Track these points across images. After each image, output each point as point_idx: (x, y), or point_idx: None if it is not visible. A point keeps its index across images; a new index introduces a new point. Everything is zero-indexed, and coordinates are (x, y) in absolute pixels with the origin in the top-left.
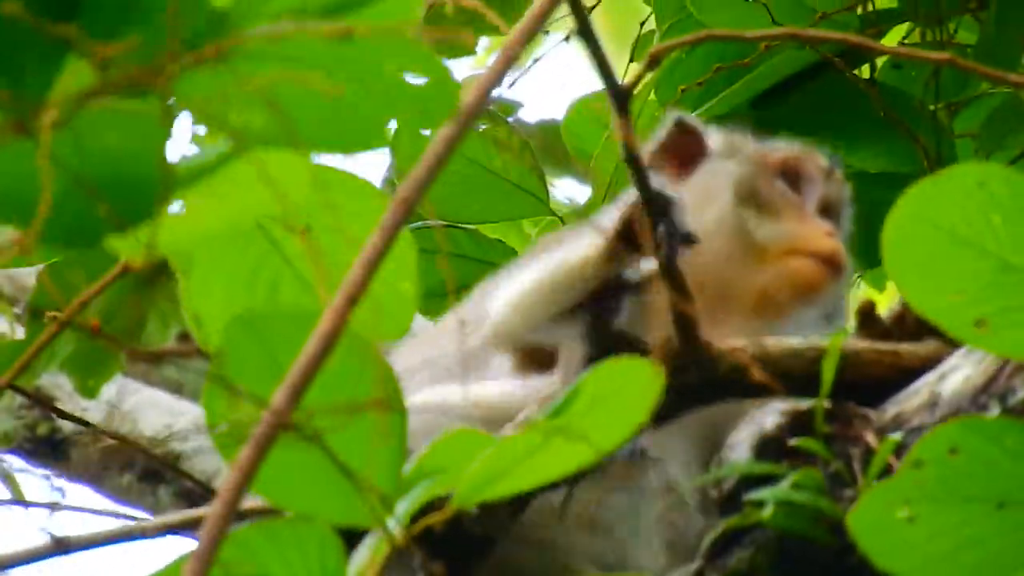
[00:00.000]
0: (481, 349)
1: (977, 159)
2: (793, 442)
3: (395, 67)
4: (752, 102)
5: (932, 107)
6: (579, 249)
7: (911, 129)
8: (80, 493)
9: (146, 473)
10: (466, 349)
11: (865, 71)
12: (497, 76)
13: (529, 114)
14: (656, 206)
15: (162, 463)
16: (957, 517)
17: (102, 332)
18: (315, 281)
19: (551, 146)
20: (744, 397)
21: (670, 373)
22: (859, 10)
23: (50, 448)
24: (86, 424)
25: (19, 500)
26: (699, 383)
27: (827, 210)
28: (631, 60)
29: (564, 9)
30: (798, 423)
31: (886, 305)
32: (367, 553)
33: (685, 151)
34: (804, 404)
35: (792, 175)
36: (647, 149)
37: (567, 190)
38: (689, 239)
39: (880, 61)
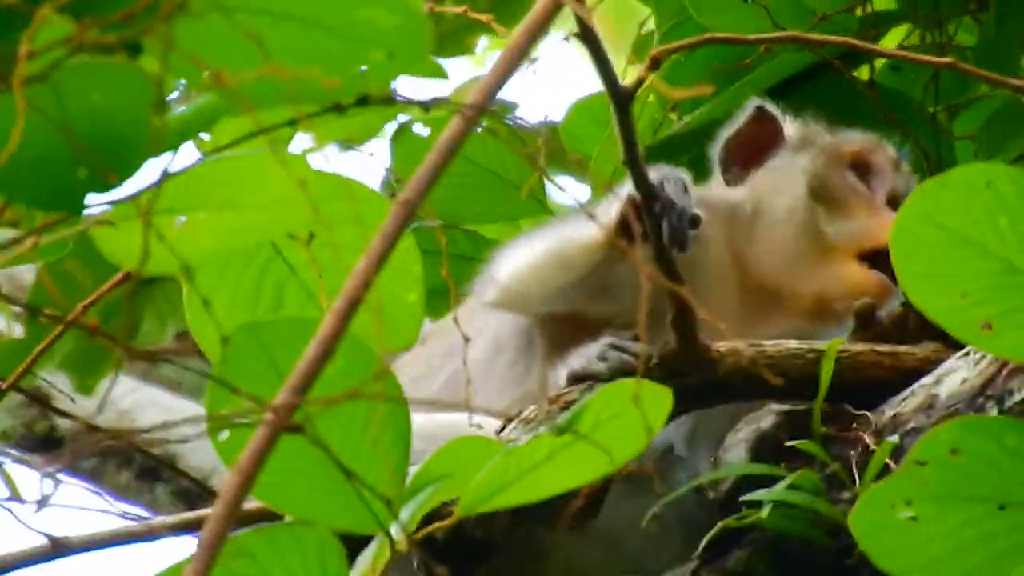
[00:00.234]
0: (499, 329)
1: (977, 162)
2: (791, 443)
3: (365, 11)
4: None
5: (931, 109)
6: (587, 228)
7: (910, 131)
8: (78, 490)
9: (144, 470)
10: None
11: (864, 72)
12: (500, 79)
13: (527, 113)
14: (656, 207)
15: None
16: (958, 517)
17: (100, 331)
18: (318, 288)
19: (549, 146)
20: (743, 399)
21: (670, 375)
22: (858, 11)
23: (48, 445)
24: (84, 422)
25: (16, 497)
26: (699, 385)
27: (894, 202)
28: (630, 62)
29: (564, 9)
30: (796, 424)
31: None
32: (369, 559)
33: (762, 139)
34: (802, 406)
35: (863, 167)
36: (724, 134)
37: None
38: (682, 245)
39: (879, 63)
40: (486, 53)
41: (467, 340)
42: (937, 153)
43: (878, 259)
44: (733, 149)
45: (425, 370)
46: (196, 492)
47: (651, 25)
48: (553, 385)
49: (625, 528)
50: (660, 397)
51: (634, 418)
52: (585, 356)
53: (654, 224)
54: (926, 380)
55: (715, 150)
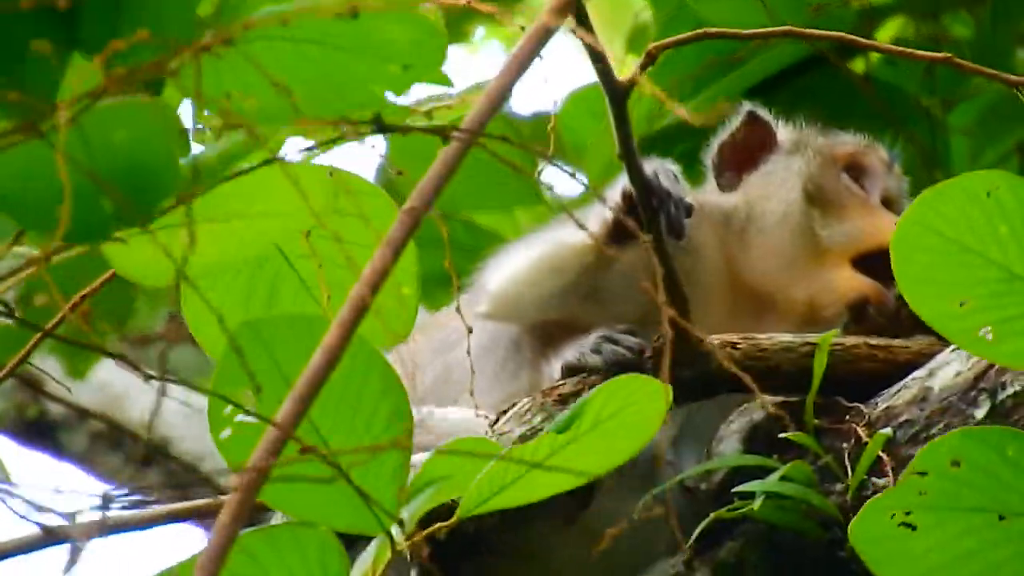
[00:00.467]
0: (489, 328)
1: (972, 155)
2: (783, 435)
3: (382, 29)
4: (745, 95)
5: (927, 103)
6: (578, 233)
7: (906, 125)
8: (70, 474)
9: (135, 455)
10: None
11: (859, 65)
12: (505, 87)
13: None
14: (651, 201)
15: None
16: (958, 527)
17: (92, 316)
18: (317, 285)
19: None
20: (737, 391)
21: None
22: (854, 4)
23: (39, 430)
24: (76, 407)
25: (7, 482)
26: (692, 378)
27: (888, 203)
28: (626, 51)
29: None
30: (789, 416)
31: None
32: (370, 559)
33: (754, 143)
34: (795, 398)
35: (856, 169)
36: (717, 140)
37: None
38: (679, 233)
39: (874, 56)
40: (483, 41)
41: (470, 331)
42: (933, 147)
43: (874, 262)
44: (726, 154)
45: (413, 366)
46: (187, 477)
47: (646, 15)
48: (547, 378)
49: (613, 525)
50: (659, 394)
51: (633, 416)
52: (579, 349)
53: (651, 216)
54: (919, 373)
55: (708, 156)
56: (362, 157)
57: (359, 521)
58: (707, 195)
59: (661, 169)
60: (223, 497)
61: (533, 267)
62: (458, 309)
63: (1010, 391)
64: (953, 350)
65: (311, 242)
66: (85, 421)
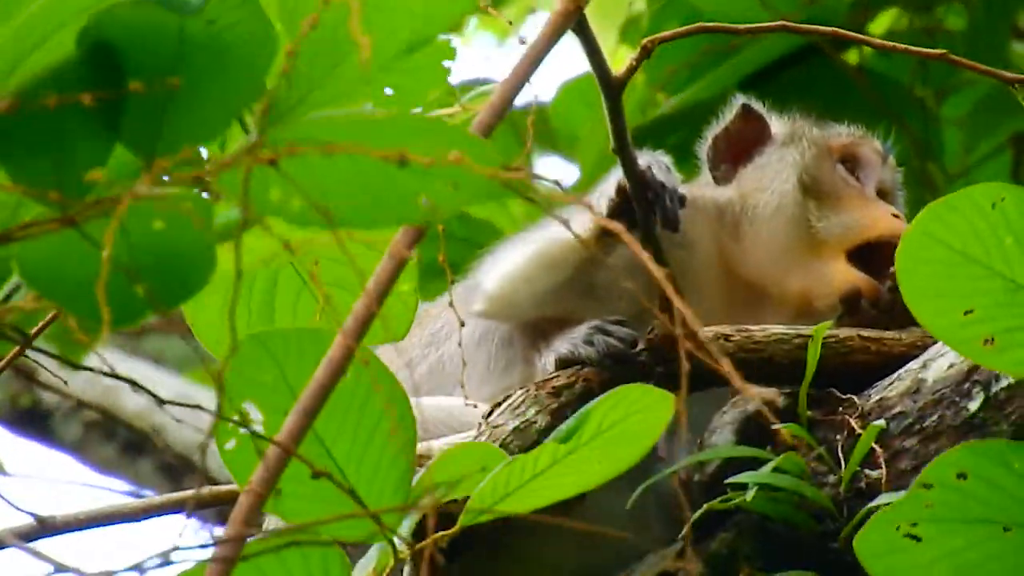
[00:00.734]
0: (481, 321)
1: (965, 146)
2: (777, 426)
3: (429, 143)
4: (739, 84)
5: (920, 94)
6: (572, 226)
7: (899, 115)
8: (63, 464)
9: (128, 445)
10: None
11: (853, 56)
12: (505, 102)
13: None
14: (644, 191)
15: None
16: (963, 539)
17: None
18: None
19: (537, 127)
20: (730, 383)
21: (657, 360)
22: None
23: (32, 420)
24: (69, 396)
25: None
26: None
27: (882, 194)
28: (620, 42)
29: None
30: (782, 408)
31: None
32: (371, 566)
33: (748, 136)
34: (788, 389)
35: (851, 160)
36: (710, 133)
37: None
38: (673, 224)
39: (869, 49)
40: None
41: (462, 324)
42: (926, 138)
43: (869, 254)
44: (720, 147)
45: (411, 357)
46: (180, 467)
47: (640, 5)
48: (539, 371)
49: (606, 522)
50: (662, 403)
51: (635, 425)
52: (571, 341)
53: (646, 209)
54: (913, 365)
55: (702, 149)
56: None
57: (361, 530)
58: (701, 188)
59: (654, 161)
60: (217, 488)
61: (528, 264)
62: (452, 303)
63: (1004, 383)
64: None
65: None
66: (79, 411)
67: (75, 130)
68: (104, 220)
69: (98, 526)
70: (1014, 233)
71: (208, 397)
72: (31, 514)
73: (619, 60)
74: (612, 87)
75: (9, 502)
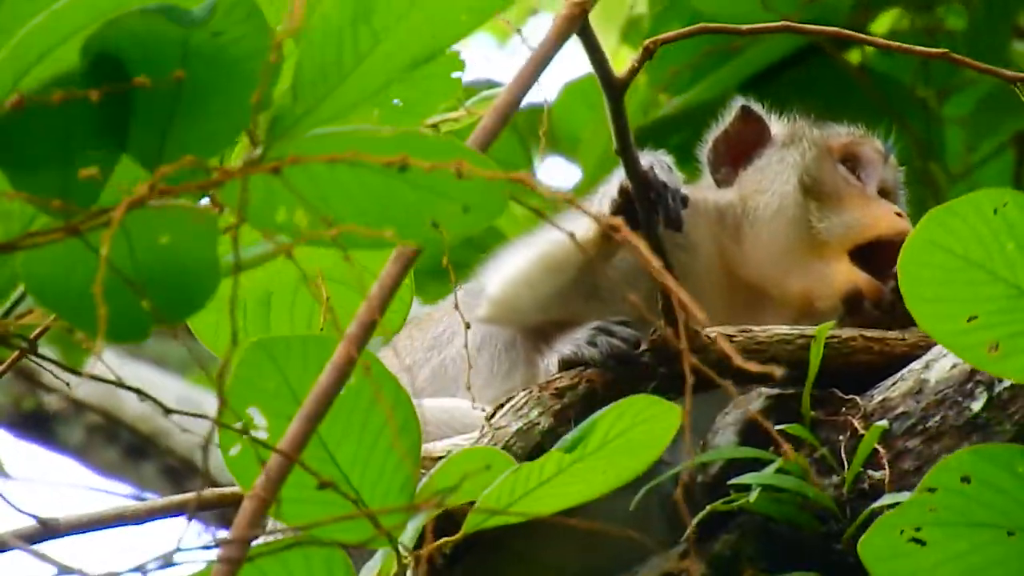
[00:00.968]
0: (483, 325)
1: (967, 145)
2: (779, 427)
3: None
4: (741, 85)
5: (922, 93)
6: (575, 228)
7: (901, 115)
8: (66, 467)
9: (131, 448)
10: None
11: (855, 55)
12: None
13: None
14: (647, 192)
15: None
16: (966, 543)
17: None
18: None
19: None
20: (734, 383)
21: (660, 361)
22: None
23: (36, 423)
24: (72, 400)
25: (3, 474)
26: (690, 371)
27: (884, 193)
28: (621, 42)
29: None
30: (784, 408)
31: None
32: (375, 569)
33: (748, 138)
34: (791, 390)
35: (852, 160)
36: (711, 136)
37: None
38: (676, 224)
39: (871, 49)
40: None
41: (467, 326)
42: (928, 137)
43: (871, 253)
44: (720, 149)
45: (410, 363)
46: (182, 470)
47: (641, 7)
48: (542, 372)
49: (609, 523)
50: (668, 414)
51: (641, 435)
52: (574, 342)
53: (648, 209)
54: (915, 365)
55: (702, 152)
56: None
57: (366, 535)
58: (702, 191)
59: (656, 162)
60: (219, 490)
61: (531, 268)
62: (456, 306)
63: (1007, 383)
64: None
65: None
66: (82, 414)
67: (80, 141)
68: (109, 231)
69: (101, 528)
70: (1016, 239)
71: (212, 400)
72: (34, 516)
73: (621, 61)
74: (614, 88)
75: (12, 505)
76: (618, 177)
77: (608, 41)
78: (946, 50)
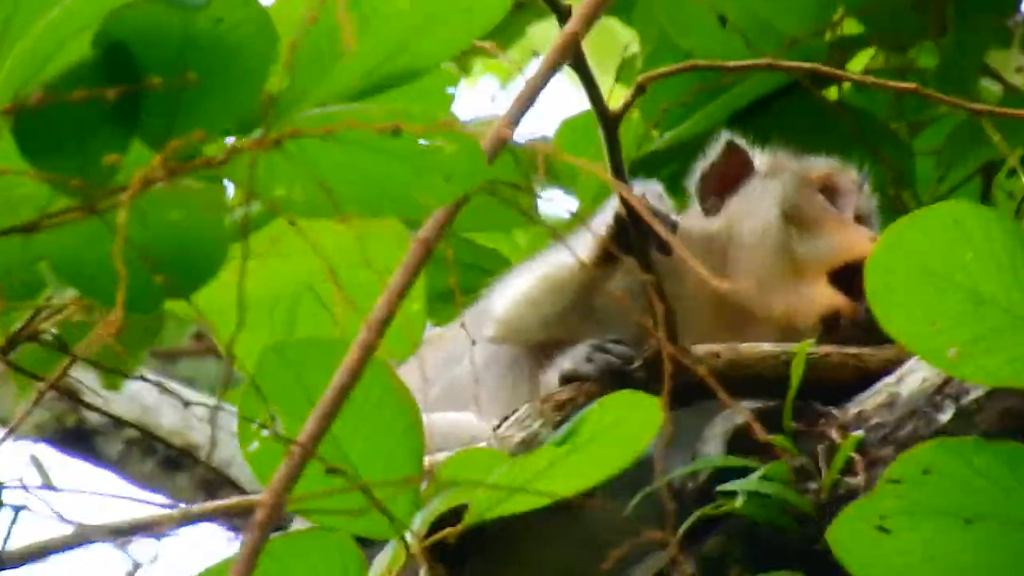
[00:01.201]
0: (491, 344)
1: (937, 175)
2: (763, 438)
3: (429, 139)
4: (728, 120)
5: (895, 127)
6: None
7: (875, 147)
8: (105, 480)
9: (167, 461)
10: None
11: (833, 92)
12: (506, 128)
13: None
14: (640, 218)
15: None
16: (928, 531)
17: (125, 333)
18: (333, 306)
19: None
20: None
21: (652, 376)
22: (827, 35)
23: (78, 438)
24: (111, 416)
25: (48, 486)
26: (679, 384)
27: (860, 220)
28: (616, 81)
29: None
30: (768, 420)
31: None
32: (385, 562)
33: (733, 169)
34: (773, 403)
35: (830, 189)
36: (698, 168)
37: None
38: (666, 248)
39: (846, 84)
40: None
41: (474, 343)
42: (900, 168)
43: (848, 275)
44: (708, 181)
45: (423, 379)
46: (216, 481)
47: (634, 47)
48: (543, 387)
49: (607, 526)
50: (651, 409)
51: (627, 429)
52: (572, 358)
53: (641, 235)
54: (889, 379)
55: (691, 183)
56: None
57: (376, 527)
58: (691, 220)
59: (647, 190)
60: (248, 498)
61: (534, 289)
62: (463, 325)
63: (973, 396)
64: (920, 358)
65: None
66: (120, 429)
67: (95, 127)
68: (126, 212)
69: (139, 535)
70: (975, 248)
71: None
72: (75, 524)
73: (616, 98)
74: (609, 122)
75: (56, 513)
76: (612, 205)
77: (604, 81)
78: (917, 85)
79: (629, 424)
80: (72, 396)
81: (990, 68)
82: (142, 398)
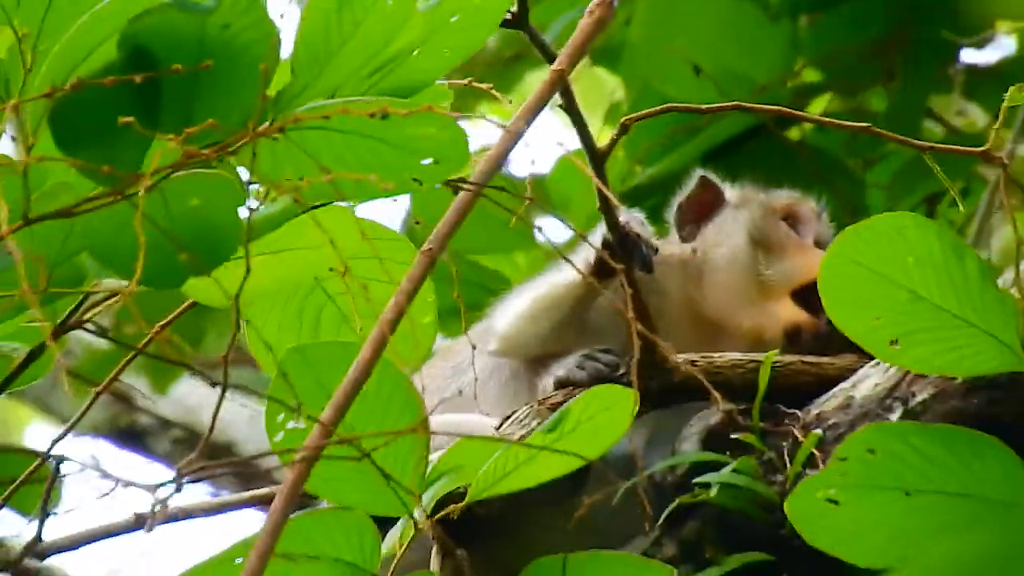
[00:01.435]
0: (491, 357)
1: (887, 207)
2: (734, 436)
3: (419, 127)
4: (702, 157)
5: (850, 163)
6: (567, 274)
7: (832, 180)
8: (156, 472)
9: (209, 456)
10: (481, 367)
11: (795, 133)
12: (504, 151)
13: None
14: (625, 241)
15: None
16: (872, 503)
17: (172, 343)
18: (352, 313)
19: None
20: (696, 399)
21: (637, 383)
22: (789, 83)
23: (131, 436)
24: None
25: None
26: (660, 388)
27: (819, 245)
28: (604, 123)
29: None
30: (738, 420)
31: None
32: (396, 536)
33: (706, 201)
34: (743, 405)
35: (792, 218)
36: (676, 200)
37: (551, 230)
38: (648, 267)
39: (807, 125)
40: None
41: (474, 347)
42: (854, 199)
43: (809, 293)
44: (684, 211)
45: (435, 385)
46: (249, 474)
47: (620, 94)
48: (540, 391)
49: (596, 513)
50: (628, 401)
51: (607, 418)
52: (566, 366)
53: (626, 255)
54: (844, 384)
55: (669, 213)
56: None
57: (388, 505)
58: (670, 245)
59: (631, 218)
60: (278, 487)
61: (532, 307)
62: (467, 336)
63: (919, 399)
64: (872, 365)
65: (348, 280)
66: (167, 429)
67: (118, 123)
68: (151, 196)
69: (186, 520)
70: (914, 253)
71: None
72: (131, 511)
73: (603, 137)
74: (597, 158)
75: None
76: (600, 231)
77: (594, 123)
78: (869, 126)
79: (608, 415)
80: (125, 399)
81: (933, 111)
82: (187, 400)
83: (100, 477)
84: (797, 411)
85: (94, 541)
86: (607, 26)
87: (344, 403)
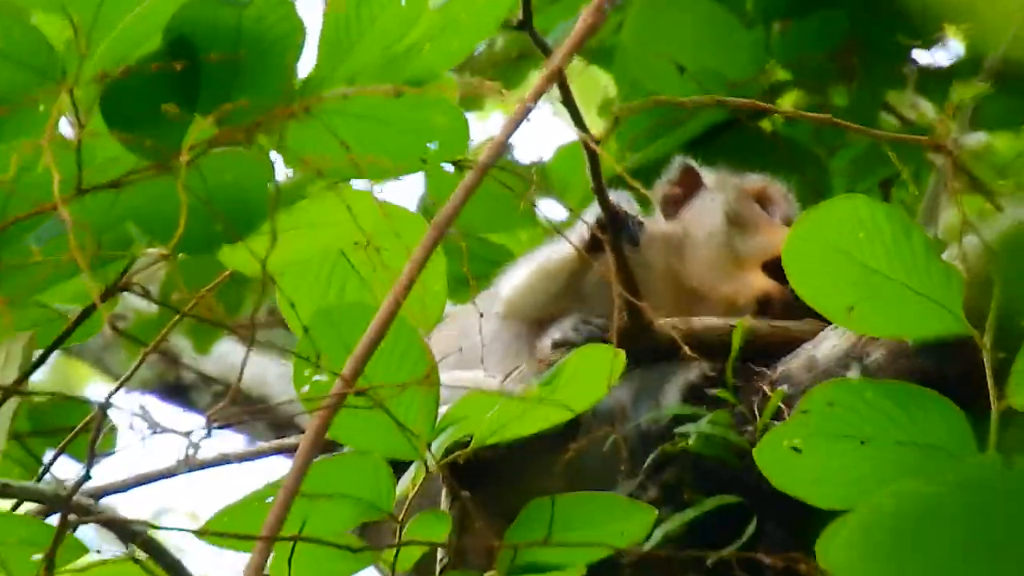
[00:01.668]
0: (498, 321)
1: (848, 189)
2: (710, 391)
3: (426, 113)
4: (684, 146)
5: (816, 151)
6: (564, 248)
7: (799, 166)
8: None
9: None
10: (487, 331)
11: (767, 124)
12: (505, 138)
13: (522, 153)
14: (615, 219)
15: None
16: (832, 451)
17: (213, 308)
18: (372, 281)
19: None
20: (677, 359)
21: (624, 342)
22: (762, 80)
23: (176, 391)
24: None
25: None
26: (645, 348)
27: (787, 222)
28: (599, 115)
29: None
30: (714, 377)
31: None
32: (409, 479)
33: (688, 185)
34: (719, 364)
35: (764, 199)
36: (661, 183)
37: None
38: (635, 241)
39: (778, 118)
40: (492, 110)
41: (481, 315)
42: (818, 182)
43: (777, 266)
44: (668, 193)
45: (445, 347)
46: (282, 425)
47: (612, 90)
48: (540, 350)
49: (589, 459)
50: (615, 359)
51: (595, 373)
52: (562, 328)
53: (615, 231)
54: (807, 346)
55: (655, 195)
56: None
57: (402, 450)
58: (655, 224)
59: (621, 198)
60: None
61: (534, 276)
62: (476, 305)
63: (873, 358)
64: (832, 329)
65: (369, 251)
66: (209, 384)
67: (164, 102)
68: (189, 171)
69: (225, 464)
70: (866, 230)
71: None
72: (179, 460)
73: (597, 129)
74: (591, 145)
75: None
76: (593, 210)
77: (589, 115)
78: (831, 118)
79: (597, 370)
80: (171, 358)
81: (889, 105)
82: (227, 359)
83: (146, 426)
84: (766, 369)
85: (141, 485)
86: (599, 30)
87: (363, 358)
